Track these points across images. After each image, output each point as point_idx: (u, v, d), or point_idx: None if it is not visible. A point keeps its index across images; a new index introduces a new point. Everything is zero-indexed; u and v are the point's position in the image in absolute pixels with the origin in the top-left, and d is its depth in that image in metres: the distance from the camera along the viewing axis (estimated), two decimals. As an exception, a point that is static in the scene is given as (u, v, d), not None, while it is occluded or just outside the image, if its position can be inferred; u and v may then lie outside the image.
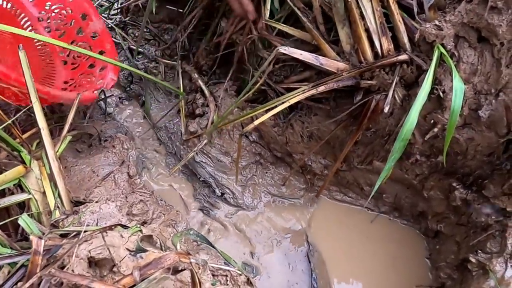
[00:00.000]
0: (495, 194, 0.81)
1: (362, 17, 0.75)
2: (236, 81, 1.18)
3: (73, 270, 0.48)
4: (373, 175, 1.01)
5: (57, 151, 0.92)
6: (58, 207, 0.69)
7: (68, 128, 0.99)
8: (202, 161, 1.12)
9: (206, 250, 0.77)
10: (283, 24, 0.88)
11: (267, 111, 0.86)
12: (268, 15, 0.87)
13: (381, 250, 1.07)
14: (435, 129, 0.79)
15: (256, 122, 0.83)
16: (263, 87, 1.03)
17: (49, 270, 0.42)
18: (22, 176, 0.61)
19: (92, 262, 0.52)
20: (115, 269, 0.52)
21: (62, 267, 0.49)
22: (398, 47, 0.78)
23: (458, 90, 0.64)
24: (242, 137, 0.87)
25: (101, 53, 1.14)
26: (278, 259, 1.06)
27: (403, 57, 0.75)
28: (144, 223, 0.69)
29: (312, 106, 0.97)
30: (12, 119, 0.68)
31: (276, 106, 0.84)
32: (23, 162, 0.82)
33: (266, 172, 1.16)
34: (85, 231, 0.53)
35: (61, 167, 0.70)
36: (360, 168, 1.01)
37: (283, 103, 0.83)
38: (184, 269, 0.47)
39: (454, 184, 0.87)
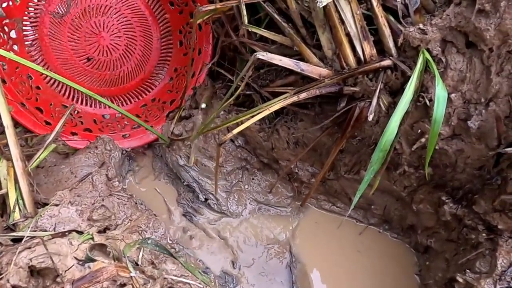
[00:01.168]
0: (486, 210, 0.76)
1: (342, 21, 0.71)
2: (226, 84, 1.14)
3: (8, 280, 0.45)
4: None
5: (38, 157, 0.89)
6: (20, 209, 0.66)
7: (54, 136, 0.97)
8: (186, 165, 1.09)
9: (174, 260, 0.74)
10: (263, 29, 0.85)
11: (250, 117, 0.83)
12: (246, 21, 0.83)
13: (369, 264, 1.02)
14: (423, 139, 0.74)
15: (235, 131, 0.79)
16: (248, 92, 1.00)
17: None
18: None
19: (35, 271, 0.49)
20: (59, 279, 0.49)
21: (-4, 277, 0.45)
22: (383, 51, 0.74)
23: (440, 98, 0.59)
24: (220, 147, 0.84)
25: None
26: (259, 269, 1.02)
27: (387, 62, 0.70)
28: (106, 229, 0.65)
29: (298, 112, 0.93)
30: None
31: (259, 113, 0.80)
32: None
33: (253, 179, 1.12)
34: (31, 237, 0.50)
35: (26, 168, 0.67)
36: (347, 178, 0.97)
37: (264, 110, 0.79)
38: (125, 284, 0.44)
39: (444, 198, 0.82)
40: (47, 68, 1.20)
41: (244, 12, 0.80)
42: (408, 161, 0.82)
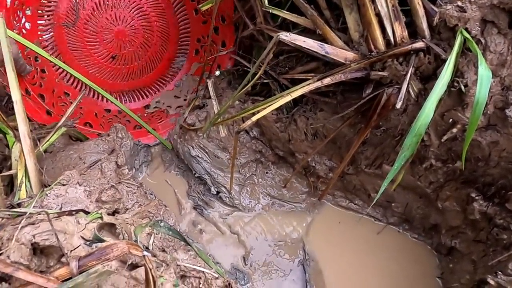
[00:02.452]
0: (521, 209, 0.71)
1: (373, 0, 0.67)
2: (242, 74, 1.10)
3: (8, 256, 0.41)
4: (382, 180, 0.90)
5: (48, 140, 0.86)
6: (26, 190, 0.62)
7: (66, 119, 0.94)
8: (198, 156, 1.05)
9: (186, 249, 0.69)
10: (285, 11, 0.80)
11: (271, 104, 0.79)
12: (266, 2, 0.79)
13: (387, 265, 0.96)
14: (454, 130, 0.69)
15: (254, 118, 0.75)
16: (265, 80, 0.96)
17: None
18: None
19: (38, 250, 0.45)
20: (63, 259, 0.45)
21: (-4, 252, 0.41)
22: (414, 34, 0.69)
23: (484, 79, 0.54)
24: (238, 135, 0.79)
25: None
26: (271, 266, 0.97)
27: (419, 44, 0.66)
28: (116, 212, 0.61)
29: (318, 100, 0.89)
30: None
31: (279, 99, 0.76)
32: (7, 144, 0.77)
33: (267, 172, 1.08)
34: (32, 213, 0.46)
35: (32, 147, 0.63)
36: (368, 172, 0.92)
37: (285, 97, 0.74)
38: (138, 265, 0.40)
39: (473, 195, 0.77)
40: (57, 57, 1.18)
41: (266, -8, 0.76)
42: (436, 154, 0.77)
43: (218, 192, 1.05)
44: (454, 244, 0.86)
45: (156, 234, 0.61)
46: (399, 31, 0.66)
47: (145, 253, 0.39)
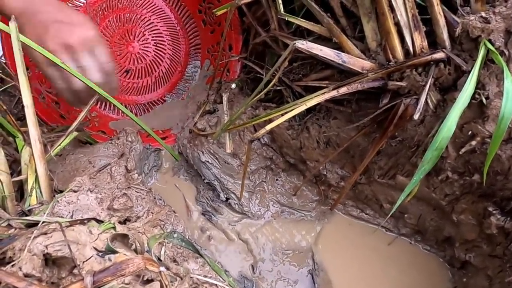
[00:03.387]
0: (540, 225, 0.69)
1: (392, 9, 0.66)
2: (253, 79, 1.09)
3: (20, 268, 0.39)
4: (395, 191, 0.90)
5: (59, 145, 0.85)
6: (36, 195, 0.61)
7: (78, 124, 0.93)
8: (208, 162, 1.04)
9: (200, 259, 0.68)
10: (300, 19, 0.79)
11: (283, 114, 0.78)
12: (282, 9, 0.78)
13: (397, 277, 0.95)
14: (473, 142, 0.68)
15: (268, 127, 0.73)
16: (278, 87, 0.95)
17: (-20, 265, 0.34)
18: (-14, 152, 0.54)
19: (50, 260, 0.44)
20: (75, 271, 0.44)
21: (8, 263, 0.40)
22: (434, 44, 0.67)
23: (510, 93, 0.53)
24: (251, 143, 0.78)
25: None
26: (279, 275, 0.96)
27: (440, 55, 0.64)
28: (127, 220, 0.60)
29: (332, 108, 0.87)
30: None
31: (294, 108, 0.75)
32: (16, 148, 0.76)
33: (277, 179, 1.06)
34: (45, 222, 0.45)
35: (43, 152, 0.62)
36: (381, 182, 0.90)
37: (300, 106, 0.73)
38: (153, 280, 0.39)
39: (490, 209, 0.75)
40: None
41: (280, 0, 0.75)
42: (453, 166, 0.75)
43: (227, 199, 1.03)
44: (469, 258, 0.85)
45: (167, 243, 0.60)
46: (419, 41, 0.65)
47: (162, 269, 0.38)
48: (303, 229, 1.03)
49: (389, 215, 0.70)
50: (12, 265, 0.39)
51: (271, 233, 1.03)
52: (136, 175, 0.94)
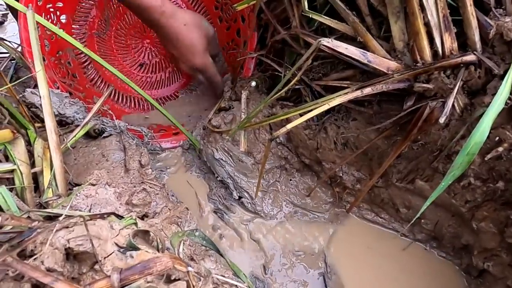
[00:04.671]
0: None
1: (422, 9, 0.64)
2: (270, 76, 1.08)
3: (42, 262, 0.38)
4: (413, 196, 0.88)
5: (75, 137, 0.84)
6: (51, 187, 0.60)
7: (92, 116, 0.92)
8: (222, 159, 1.02)
9: (213, 257, 0.67)
10: (325, 17, 0.77)
11: (301, 114, 0.76)
12: (306, 6, 0.76)
13: (411, 283, 0.93)
14: (500, 149, 0.66)
15: (289, 126, 0.72)
16: (297, 86, 0.93)
17: (4, 258, 0.33)
18: (7, 142, 0.52)
19: (71, 255, 0.43)
20: (97, 266, 0.43)
21: (30, 256, 0.39)
22: (464, 46, 0.66)
23: (544, 99, 0.51)
24: (271, 142, 0.77)
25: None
26: (291, 277, 0.94)
27: (470, 57, 0.62)
28: (145, 216, 0.59)
29: (352, 109, 0.86)
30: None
31: (312, 110, 0.73)
32: (29, 141, 0.75)
33: (291, 180, 1.05)
34: (68, 216, 0.44)
35: (59, 143, 0.61)
36: (398, 186, 0.88)
37: (321, 105, 0.71)
38: (179, 279, 0.37)
39: (513, 217, 0.73)
40: (88, 64, 1.20)
41: (307, -4, 0.73)
42: (476, 173, 0.74)
43: (240, 197, 1.02)
44: (487, 267, 0.82)
45: (185, 241, 0.59)
46: (449, 42, 0.63)
47: (190, 268, 0.36)
48: (316, 230, 1.01)
49: (411, 222, 0.68)
50: (34, 259, 0.38)
51: (283, 233, 1.01)
52: (150, 170, 0.92)
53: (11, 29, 1.76)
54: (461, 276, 0.93)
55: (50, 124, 0.61)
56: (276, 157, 1.02)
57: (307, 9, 0.73)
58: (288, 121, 0.91)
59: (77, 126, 0.90)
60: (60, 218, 0.42)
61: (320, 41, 0.65)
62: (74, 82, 1.16)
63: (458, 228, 0.87)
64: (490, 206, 0.77)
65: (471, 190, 0.77)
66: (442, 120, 0.65)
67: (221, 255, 0.54)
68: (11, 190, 0.50)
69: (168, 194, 0.94)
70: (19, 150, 0.53)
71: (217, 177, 1.04)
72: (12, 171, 0.52)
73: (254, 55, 1.00)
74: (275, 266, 0.96)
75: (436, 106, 0.67)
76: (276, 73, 0.98)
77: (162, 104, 1.28)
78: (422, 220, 0.92)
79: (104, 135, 1.00)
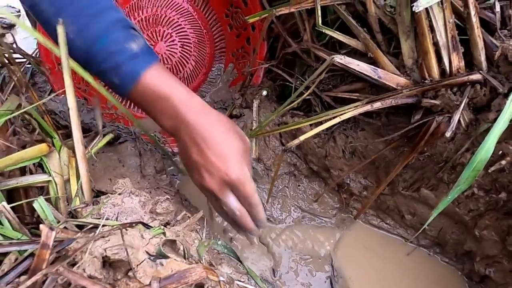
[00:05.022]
0: None
1: (432, 29, 0.67)
2: (279, 85, 1.11)
3: (84, 270, 0.42)
4: (418, 203, 0.92)
5: (96, 145, 0.87)
6: (78, 195, 0.64)
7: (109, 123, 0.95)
8: (232, 165, 1.06)
9: (229, 262, 0.70)
10: (337, 32, 0.81)
11: (311, 125, 0.80)
12: (320, 22, 0.80)
13: (415, 287, 0.97)
14: (503, 162, 0.69)
15: (302, 138, 0.76)
16: (307, 96, 0.96)
17: (57, 267, 0.36)
18: (44, 155, 0.56)
19: (107, 263, 0.46)
20: (130, 273, 0.46)
21: (72, 264, 0.43)
22: (470, 65, 0.69)
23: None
24: (285, 152, 0.79)
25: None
26: (299, 280, 0.98)
27: (476, 77, 0.66)
28: (167, 224, 0.63)
29: (360, 120, 0.89)
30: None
31: (323, 121, 0.77)
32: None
33: (299, 185, 1.08)
34: (103, 225, 0.47)
35: (85, 153, 0.65)
36: (404, 194, 0.92)
37: (333, 117, 0.75)
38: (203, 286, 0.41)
39: (514, 227, 0.77)
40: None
41: (319, 13, 0.77)
42: (480, 183, 0.77)
43: (250, 202, 1.05)
44: (488, 273, 0.86)
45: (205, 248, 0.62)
46: (456, 61, 0.66)
47: (221, 278, 0.40)
48: (323, 235, 1.05)
49: (421, 230, 0.72)
50: (78, 267, 0.42)
51: (291, 238, 1.05)
52: (165, 176, 0.96)
53: (22, 30, 1.79)
54: (463, 281, 0.97)
55: (77, 135, 0.65)
56: (285, 164, 1.05)
57: (320, 25, 0.76)
58: (298, 130, 0.94)
59: (96, 133, 0.93)
60: (99, 229, 0.45)
61: (333, 58, 0.69)
62: (88, 88, 1.20)
63: (461, 235, 0.91)
64: (492, 215, 0.81)
65: (475, 200, 0.81)
66: (448, 134, 0.69)
67: (241, 262, 0.58)
68: (46, 199, 0.53)
69: (181, 199, 0.98)
70: (53, 163, 0.56)
71: (228, 182, 1.08)
72: (47, 181, 0.55)
73: (265, 65, 1.03)
74: (283, 269, 1.00)
75: (442, 120, 0.71)
76: (287, 83, 1.01)
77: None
78: (427, 227, 0.95)
79: (120, 140, 1.03)
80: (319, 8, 0.75)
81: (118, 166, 0.96)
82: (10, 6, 1.83)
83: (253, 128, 1.03)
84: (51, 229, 0.36)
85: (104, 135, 0.82)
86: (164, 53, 1.28)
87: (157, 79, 0.65)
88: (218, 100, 1.27)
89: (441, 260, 0.99)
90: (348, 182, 1.00)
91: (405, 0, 0.66)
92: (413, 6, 0.58)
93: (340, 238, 1.04)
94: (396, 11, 0.69)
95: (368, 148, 0.89)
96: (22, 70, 1.20)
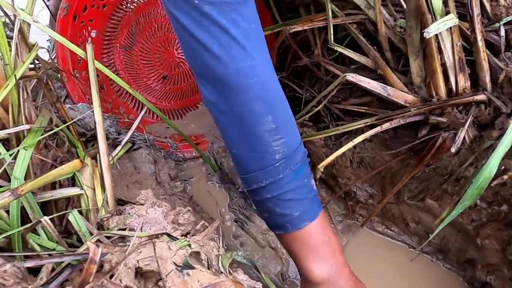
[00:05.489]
0: (562, 256, 0.74)
1: (440, 51, 0.71)
2: (288, 94, 1.15)
3: (121, 280, 0.46)
4: (423, 212, 0.96)
5: (116, 155, 0.90)
6: (104, 205, 0.68)
7: (131, 134, 0.99)
8: (243, 172, 1.09)
9: (243, 269, 0.74)
10: (348, 50, 0.84)
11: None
12: (332, 39, 0.83)
13: (417, 291, 1.00)
14: (505, 177, 0.73)
15: (321, 166, 0.80)
16: (317, 108, 1.00)
17: (102, 280, 0.40)
18: (77, 170, 0.59)
19: (138, 273, 0.50)
20: (160, 283, 0.50)
21: (110, 276, 0.46)
22: (475, 85, 0.73)
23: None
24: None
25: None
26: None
27: (481, 97, 0.69)
28: (187, 233, 0.66)
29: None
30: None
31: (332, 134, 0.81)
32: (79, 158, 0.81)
33: (306, 192, 1.12)
34: (137, 236, 0.51)
35: (109, 164, 0.68)
36: (409, 203, 0.96)
37: (347, 136, 0.79)
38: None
39: (515, 237, 0.81)
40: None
41: (332, 31, 0.80)
42: (482, 196, 0.81)
43: (259, 208, 1.09)
44: (489, 280, 0.90)
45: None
46: (462, 82, 0.70)
47: (248, 291, 0.44)
48: (329, 241, 1.08)
49: (427, 241, 0.76)
50: (115, 278, 0.45)
51: (299, 243, 1.08)
52: (179, 182, 1.00)
53: (34, 29, 1.81)
54: (464, 287, 1.00)
55: (103, 147, 0.68)
56: (294, 172, 1.09)
57: (333, 43, 0.79)
58: (309, 142, 0.99)
59: (113, 140, 0.97)
60: (133, 241, 0.49)
61: (346, 76, 0.72)
62: (102, 94, 1.23)
63: (463, 243, 0.94)
64: (494, 225, 0.85)
65: (477, 211, 0.84)
66: (453, 149, 0.73)
67: (258, 271, 0.62)
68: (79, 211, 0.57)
69: (194, 205, 1.02)
70: (85, 177, 0.60)
71: (238, 188, 1.12)
72: (79, 194, 0.59)
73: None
74: (291, 273, 1.04)
75: (448, 136, 0.75)
76: (298, 95, 1.05)
77: (183, 115, 1.34)
78: (430, 234, 0.99)
79: (134, 147, 1.07)
80: (331, 27, 0.78)
81: (134, 172, 1.00)
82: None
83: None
84: (97, 246, 0.39)
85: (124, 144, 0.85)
86: (175, 60, 1.31)
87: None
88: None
89: (443, 266, 1.03)
90: (355, 190, 1.04)
91: (415, 22, 0.69)
92: (424, 32, 0.61)
93: (346, 244, 1.08)
94: (406, 32, 0.72)
95: (375, 159, 0.93)
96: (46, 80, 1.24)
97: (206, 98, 0.61)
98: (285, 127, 0.61)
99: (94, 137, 1.00)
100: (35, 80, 0.95)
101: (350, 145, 0.72)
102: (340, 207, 1.11)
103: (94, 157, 0.75)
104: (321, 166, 0.75)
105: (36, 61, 0.84)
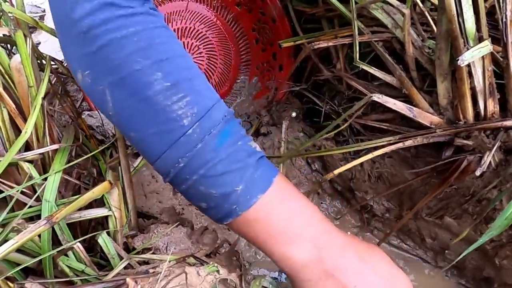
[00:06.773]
0: None
1: (470, 75, 0.70)
2: (305, 103, 1.14)
3: (154, 310, 0.46)
4: (440, 229, 0.95)
5: (137, 166, 0.90)
6: (128, 223, 0.68)
7: None
8: (259, 182, 1.09)
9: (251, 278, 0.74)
10: (374, 68, 0.83)
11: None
12: (358, 57, 0.82)
13: (431, 306, 1.01)
14: (529, 203, 0.73)
15: (337, 172, 0.79)
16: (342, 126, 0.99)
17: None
18: (107, 192, 0.59)
19: (169, 301, 0.50)
20: (190, 311, 0.50)
21: (143, 305, 0.47)
22: (503, 108, 0.72)
23: None
24: (321, 183, 0.84)
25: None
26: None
27: (510, 123, 0.69)
28: (211, 253, 0.66)
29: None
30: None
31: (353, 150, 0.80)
32: (100, 172, 0.80)
33: (322, 203, 1.12)
34: (169, 261, 0.51)
35: (131, 180, 0.68)
36: (427, 220, 0.96)
37: (364, 149, 0.79)
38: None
39: (535, 260, 0.81)
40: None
41: (357, 48, 0.79)
42: (504, 218, 0.81)
43: (274, 218, 1.09)
44: (505, 300, 0.90)
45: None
46: (491, 107, 0.69)
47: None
48: (344, 252, 1.08)
49: (449, 266, 0.75)
50: (148, 309, 0.46)
51: (313, 254, 1.08)
52: (195, 193, 1.00)
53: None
54: (479, 304, 1.01)
55: (124, 162, 0.68)
56: (310, 183, 1.09)
57: (358, 60, 0.79)
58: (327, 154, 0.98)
59: (132, 148, 0.97)
60: (164, 267, 0.49)
61: (372, 96, 0.72)
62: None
63: (480, 262, 0.94)
64: (513, 247, 0.85)
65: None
66: (478, 173, 0.72)
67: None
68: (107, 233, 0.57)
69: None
70: (114, 198, 0.60)
71: (253, 197, 1.12)
72: (107, 216, 0.59)
73: (296, 88, 1.06)
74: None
75: (473, 160, 0.74)
76: (316, 107, 1.04)
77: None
78: (446, 251, 0.99)
79: (151, 155, 1.07)
80: (357, 44, 0.77)
81: (151, 181, 1.00)
82: (35, 5, 1.85)
83: (280, 148, 1.06)
84: (136, 282, 0.39)
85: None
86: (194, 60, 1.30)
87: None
88: (243, 113, 1.29)
89: (457, 282, 1.03)
90: (372, 204, 1.03)
91: (446, 45, 0.68)
92: (457, 59, 0.60)
93: (360, 256, 1.08)
94: (435, 54, 0.71)
95: (395, 175, 0.92)
96: (54, 79, 1.24)
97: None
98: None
99: (113, 145, 1.00)
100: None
101: (369, 156, 0.71)
102: (355, 219, 1.11)
103: (115, 168, 0.75)
104: (337, 172, 0.74)
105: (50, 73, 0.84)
